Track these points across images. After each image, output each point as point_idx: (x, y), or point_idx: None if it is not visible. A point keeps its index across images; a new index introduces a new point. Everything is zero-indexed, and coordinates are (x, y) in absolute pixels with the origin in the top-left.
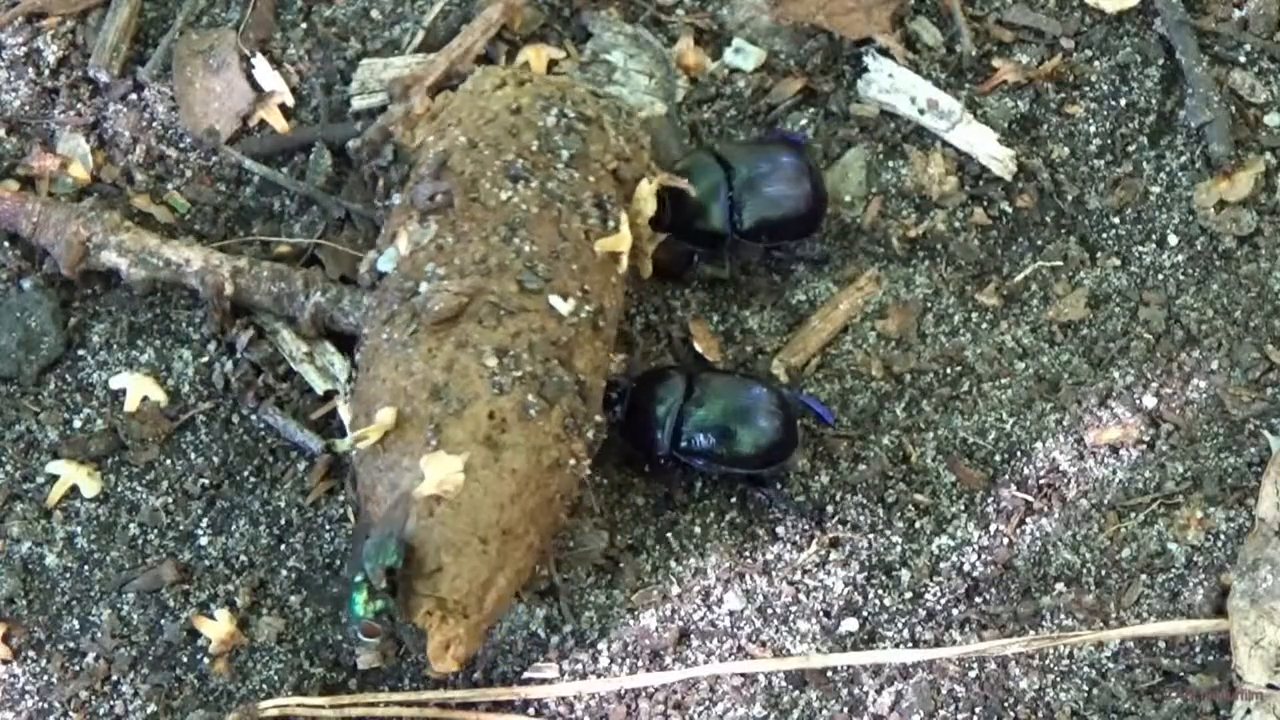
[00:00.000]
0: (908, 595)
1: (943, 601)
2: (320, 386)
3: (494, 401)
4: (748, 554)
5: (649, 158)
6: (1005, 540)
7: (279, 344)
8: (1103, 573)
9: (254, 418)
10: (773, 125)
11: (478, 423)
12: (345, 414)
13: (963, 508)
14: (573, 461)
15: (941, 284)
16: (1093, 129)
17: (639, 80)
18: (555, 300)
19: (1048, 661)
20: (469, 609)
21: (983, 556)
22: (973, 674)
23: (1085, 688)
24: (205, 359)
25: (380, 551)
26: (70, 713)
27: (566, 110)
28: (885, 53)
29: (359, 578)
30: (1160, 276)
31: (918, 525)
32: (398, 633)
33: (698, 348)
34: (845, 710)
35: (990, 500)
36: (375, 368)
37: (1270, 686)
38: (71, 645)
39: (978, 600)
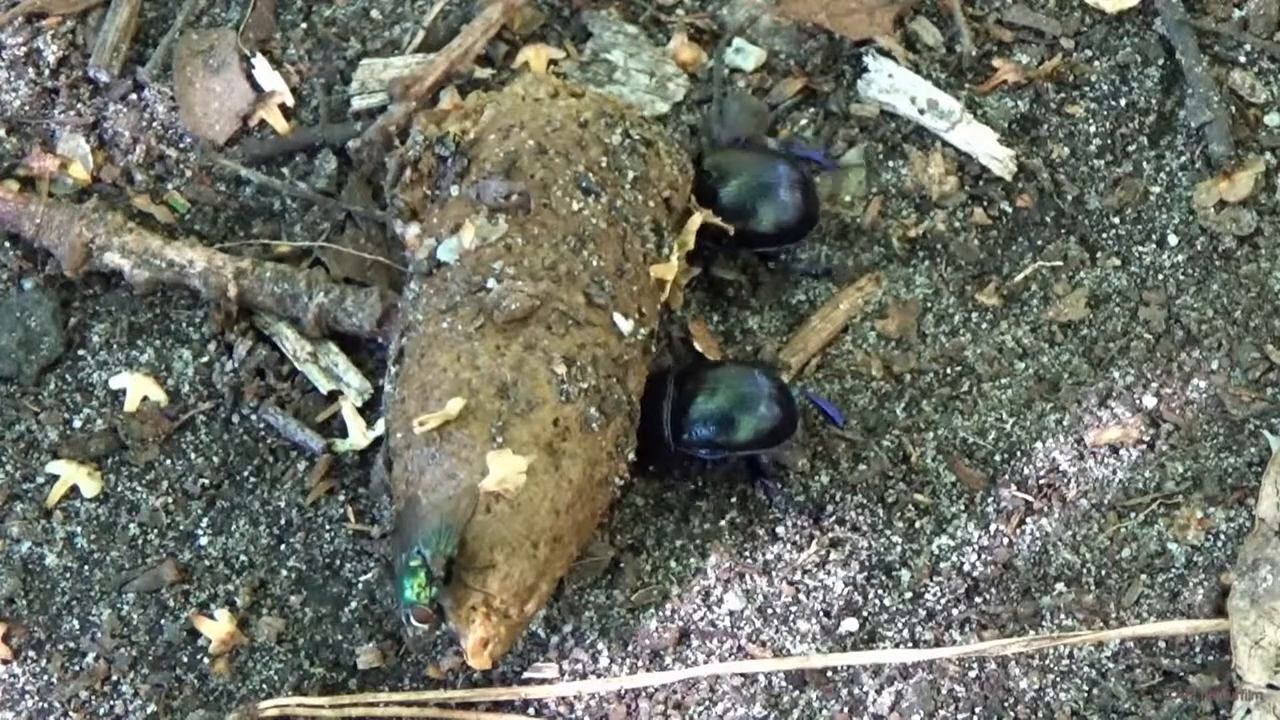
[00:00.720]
0: (908, 595)
1: (943, 601)
2: (324, 386)
3: (560, 409)
4: (748, 554)
5: (691, 191)
6: (1005, 540)
7: (281, 344)
8: (1103, 573)
9: (254, 417)
10: (773, 126)
11: (543, 426)
12: (350, 414)
13: (963, 508)
14: (618, 480)
15: (941, 284)
16: (1093, 129)
17: (639, 80)
18: (619, 318)
19: (1048, 661)
20: (512, 610)
21: (983, 556)
22: (973, 674)
23: (1085, 688)
24: (205, 359)
25: (442, 539)
26: (70, 713)
27: (631, 131)
28: (885, 53)
29: (416, 562)
30: (1160, 276)
31: (918, 525)
32: (446, 622)
33: (697, 347)
34: (845, 710)
35: (990, 500)
36: (432, 355)
37: (1270, 686)
38: (71, 645)
39: (978, 600)
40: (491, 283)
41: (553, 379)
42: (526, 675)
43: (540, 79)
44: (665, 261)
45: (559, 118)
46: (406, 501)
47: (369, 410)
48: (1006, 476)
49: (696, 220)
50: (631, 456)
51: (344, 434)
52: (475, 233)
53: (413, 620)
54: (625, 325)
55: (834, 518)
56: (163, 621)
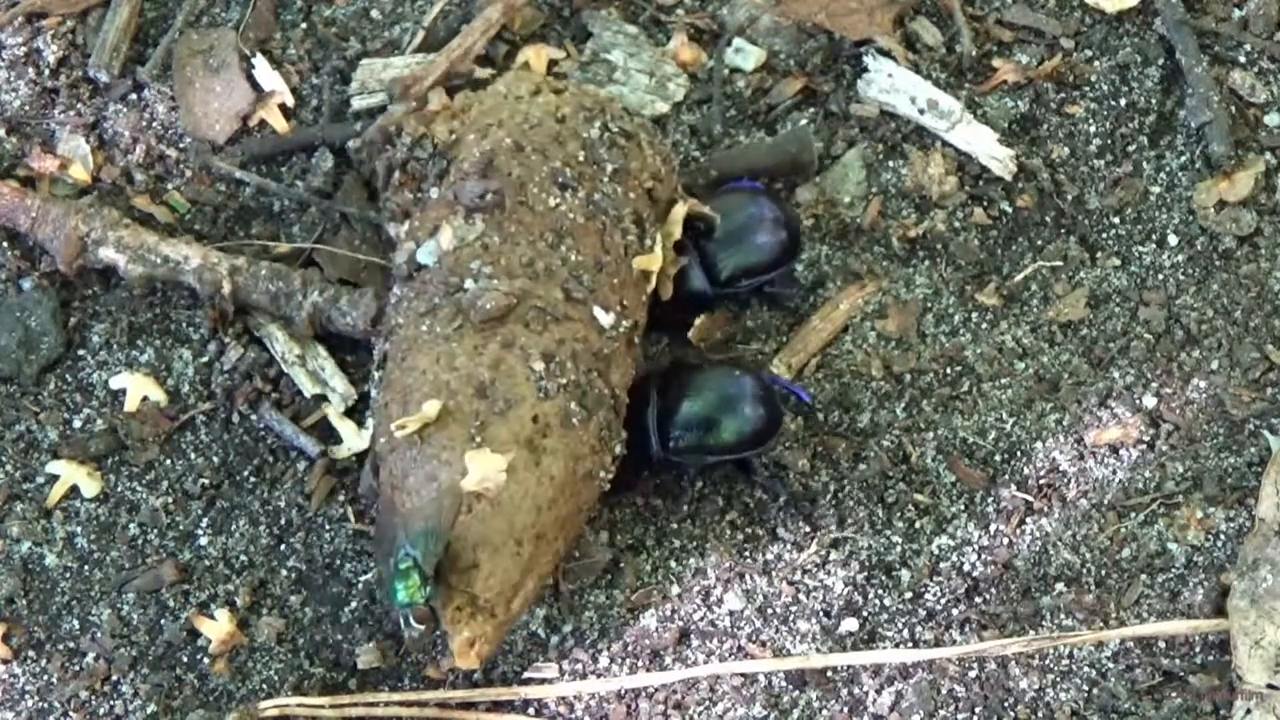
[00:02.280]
0: (908, 595)
1: (943, 601)
2: (309, 390)
3: (539, 405)
4: (748, 554)
5: (677, 182)
6: (1005, 540)
7: (271, 345)
8: (1103, 573)
9: (254, 418)
10: (773, 126)
11: (522, 424)
12: (336, 419)
13: (963, 508)
14: (602, 474)
15: (941, 284)
16: (1093, 129)
17: (639, 80)
18: (599, 312)
19: (1048, 661)
20: (497, 609)
21: (983, 556)
22: (973, 674)
23: (1085, 688)
24: (205, 359)
25: (430, 540)
26: (70, 713)
27: (609, 124)
28: (885, 53)
29: (407, 564)
30: (1160, 276)
31: (918, 525)
32: (440, 621)
33: (690, 336)
34: (845, 710)
35: (990, 500)
36: (412, 358)
37: (1270, 686)
38: (71, 645)
39: (978, 600)
40: (469, 283)
41: (531, 376)
42: (526, 675)
43: (522, 77)
44: (649, 253)
45: (537, 114)
46: (383, 507)
47: (355, 414)
48: (1006, 476)
49: (680, 210)
50: (619, 450)
51: (338, 439)
52: (453, 234)
53: (412, 621)
54: (606, 319)
55: (834, 517)
56: (163, 621)
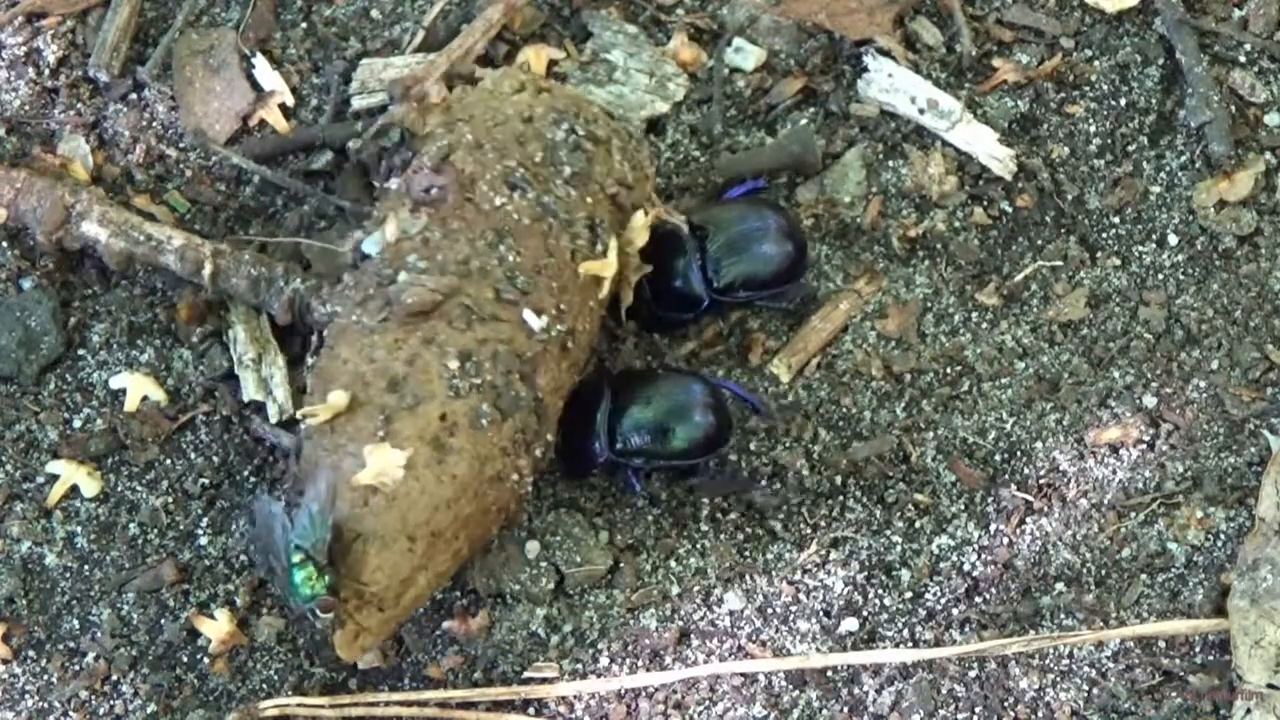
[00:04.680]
0: (908, 595)
1: (943, 601)
2: (250, 394)
3: (448, 404)
4: (748, 554)
5: (651, 188)
6: (1005, 540)
7: (232, 343)
8: (1103, 573)
9: (234, 417)
10: (773, 126)
11: (428, 422)
12: (267, 428)
13: (963, 508)
14: (516, 477)
15: (941, 284)
16: (1093, 129)
17: (639, 79)
18: (529, 315)
19: (1048, 661)
20: (385, 603)
21: (983, 556)
22: (973, 674)
23: (1085, 688)
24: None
25: (315, 526)
26: (70, 713)
27: (577, 127)
28: (885, 53)
29: (298, 558)
30: (1160, 276)
31: (918, 525)
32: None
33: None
34: (845, 710)
35: (990, 500)
36: (339, 347)
37: (1270, 686)
38: (71, 645)
39: (978, 600)
40: (401, 276)
41: (444, 374)
42: (526, 675)
43: (510, 74)
44: (601, 259)
45: (507, 112)
46: (255, 507)
47: (289, 426)
48: (1006, 476)
49: (641, 218)
50: (539, 453)
51: None
52: (397, 226)
53: (320, 613)
54: (536, 322)
55: (834, 516)
56: (163, 621)
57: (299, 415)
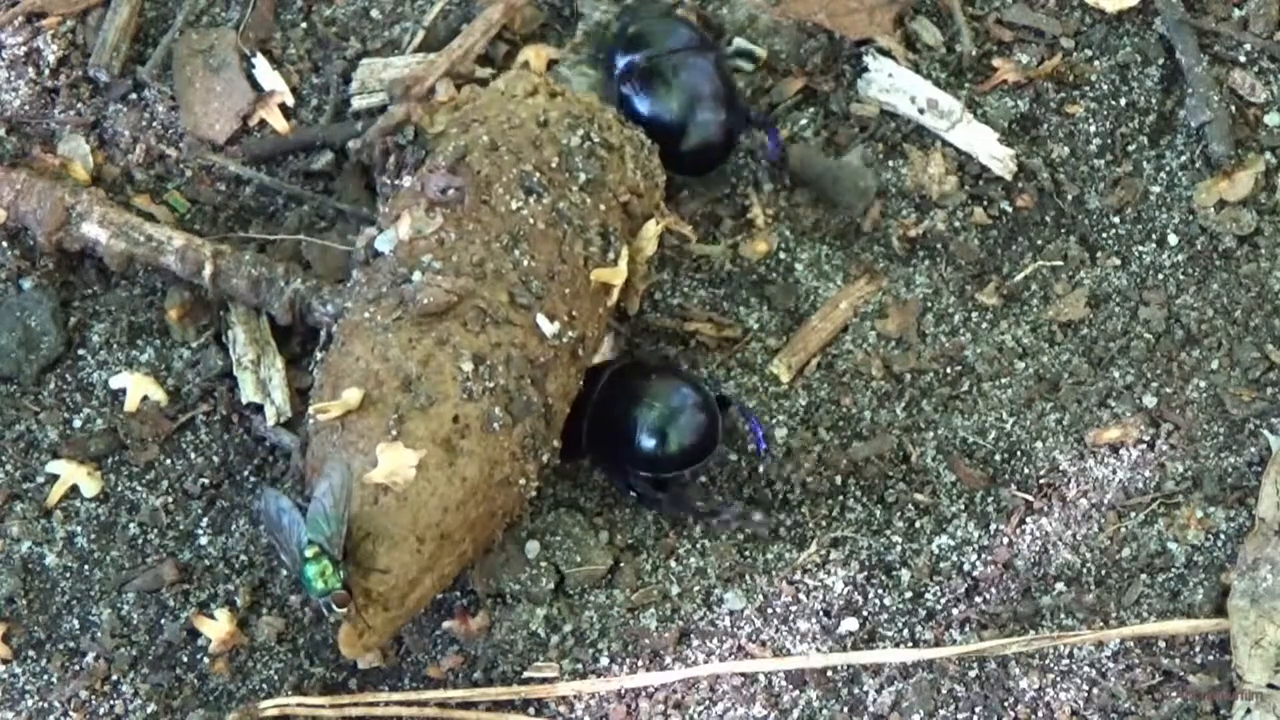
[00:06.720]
0: (908, 595)
1: (943, 601)
2: (249, 396)
3: (461, 406)
4: (748, 554)
5: (661, 197)
6: (1005, 540)
7: (231, 343)
8: (1103, 573)
9: (234, 417)
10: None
11: (441, 423)
12: (267, 428)
13: (963, 508)
14: (523, 481)
15: (941, 284)
16: (1093, 129)
17: None
18: (542, 320)
19: (1048, 661)
20: (391, 603)
21: (983, 556)
22: (973, 674)
23: (1085, 687)
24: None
25: (327, 522)
26: (70, 713)
27: (592, 134)
28: (885, 52)
29: (312, 552)
30: (1160, 276)
31: (918, 525)
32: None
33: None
34: (845, 710)
35: (990, 500)
36: (351, 344)
37: (1270, 686)
38: (71, 645)
39: (978, 600)
40: (416, 275)
41: (458, 375)
42: (526, 675)
43: (523, 76)
44: (611, 266)
45: (522, 115)
46: (263, 506)
47: (290, 427)
48: (1006, 476)
49: (653, 227)
50: (545, 459)
51: None
52: (411, 224)
53: (334, 608)
54: (549, 327)
55: (834, 515)
56: (163, 621)
57: (309, 411)
